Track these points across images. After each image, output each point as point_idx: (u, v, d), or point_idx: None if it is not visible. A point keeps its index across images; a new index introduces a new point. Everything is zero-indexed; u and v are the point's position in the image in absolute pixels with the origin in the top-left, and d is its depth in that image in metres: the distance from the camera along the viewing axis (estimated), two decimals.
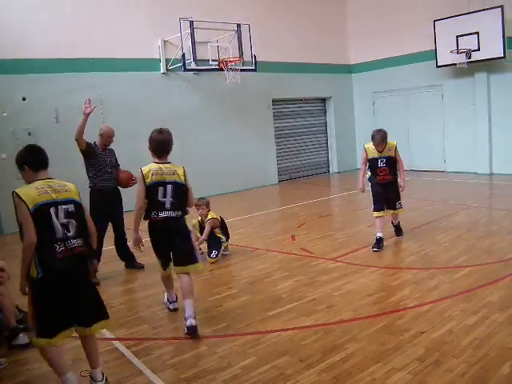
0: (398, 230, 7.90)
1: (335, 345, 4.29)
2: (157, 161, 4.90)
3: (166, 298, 5.51)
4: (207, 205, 7.37)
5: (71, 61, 11.16)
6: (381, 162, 7.33)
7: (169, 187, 4.78)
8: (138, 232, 4.97)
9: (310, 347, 4.28)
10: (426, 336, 4.32)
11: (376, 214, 7.41)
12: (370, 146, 7.33)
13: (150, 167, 4.81)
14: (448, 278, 5.82)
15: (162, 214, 4.78)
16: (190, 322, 4.65)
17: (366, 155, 7.41)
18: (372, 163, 7.42)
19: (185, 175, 4.92)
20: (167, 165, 4.89)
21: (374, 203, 7.48)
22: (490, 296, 5.14)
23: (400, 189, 7.54)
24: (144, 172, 4.78)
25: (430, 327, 4.49)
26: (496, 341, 4.12)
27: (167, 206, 4.77)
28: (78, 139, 6.32)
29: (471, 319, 4.60)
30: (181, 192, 4.85)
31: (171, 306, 5.41)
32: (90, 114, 6.29)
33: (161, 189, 4.76)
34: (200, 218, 7.43)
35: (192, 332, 4.61)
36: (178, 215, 4.84)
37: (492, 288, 5.38)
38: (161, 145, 4.87)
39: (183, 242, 4.88)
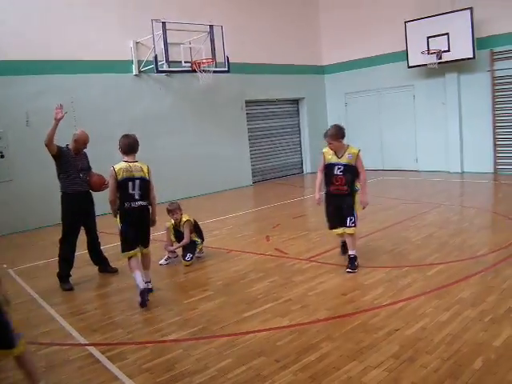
0: (345, 249, 6.56)
1: (311, 344, 4.30)
2: (126, 159, 5.72)
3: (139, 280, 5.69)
4: (179, 208, 7.33)
5: (42, 62, 10.99)
6: (338, 169, 6.22)
7: (137, 182, 5.66)
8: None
9: (285, 347, 4.29)
10: (400, 333, 4.36)
11: (334, 232, 6.50)
12: (329, 150, 6.36)
13: (121, 166, 5.64)
14: (421, 275, 5.88)
15: (134, 204, 5.66)
16: (147, 284, 5.79)
17: (324, 161, 6.43)
18: (328, 170, 6.36)
19: (149, 172, 5.80)
20: (135, 163, 5.74)
21: (327, 220, 6.55)
22: (461, 292, 5.21)
23: (360, 205, 6.33)
24: (116, 170, 5.61)
25: (404, 324, 4.54)
26: (468, 336, 4.18)
27: (136, 197, 5.67)
28: (48, 145, 6.20)
29: (444, 316, 4.66)
30: (146, 186, 5.76)
31: (142, 286, 5.60)
32: (61, 119, 6.16)
33: (130, 183, 5.63)
34: (174, 222, 7.38)
35: (143, 292, 5.50)
36: (146, 204, 5.80)
37: (464, 284, 5.46)
38: (128, 146, 5.72)
39: (147, 228, 5.91)
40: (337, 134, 6.24)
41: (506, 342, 4.03)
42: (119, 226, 5.77)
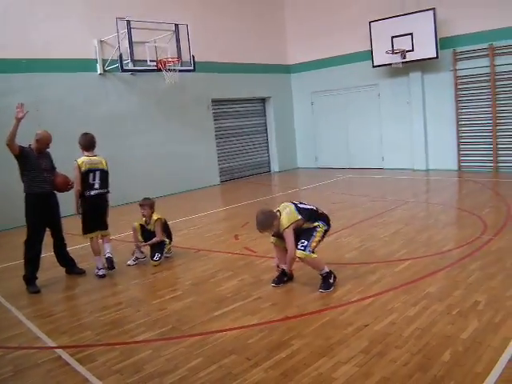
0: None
1: (281, 342, 4.30)
2: (87, 154, 6.62)
3: (97, 267, 6.77)
4: (151, 206, 7.26)
5: (3, 61, 10.73)
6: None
7: (97, 173, 6.56)
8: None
9: (256, 345, 4.28)
10: (370, 328, 4.40)
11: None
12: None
13: (83, 159, 6.55)
14: (389, 271, 5.95)
15: (94, 192, 6.55)
16: (109, 254, 6.75)
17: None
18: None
19: (107, 164, 6.72)
20: (95, 157, 6.64)
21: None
22: (429, 287, 5.29)
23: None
24: (79, 163, 6.50)
25: (373, 320, 4.58)
26: (436, 330, 4.25)
27: (96, 186, 6.56)
28: (10, 144, 6.03)
29: (412, 310, 4.72)
30: (105, 176, 6.67)
31: (100, 273, 6.69)
32: (22, 118, 5.98)
33: (91, 174, 6.50)
34: (144, 219, 7.31)
35: (109, 262, 6.69)
36: (104, 192, 6.70)
37: (431, 279, 5.54)
38: (88, 142, 6.64)
39: (105, 213, 6.85)
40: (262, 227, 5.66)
41: (472, 334, 4.11)
42: (80, 211, 6.60)
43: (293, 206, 5.59)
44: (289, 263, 5.61)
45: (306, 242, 5.41)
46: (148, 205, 7.24)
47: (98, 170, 6.56)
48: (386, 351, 3.96)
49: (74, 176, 6.54)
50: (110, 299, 5.83)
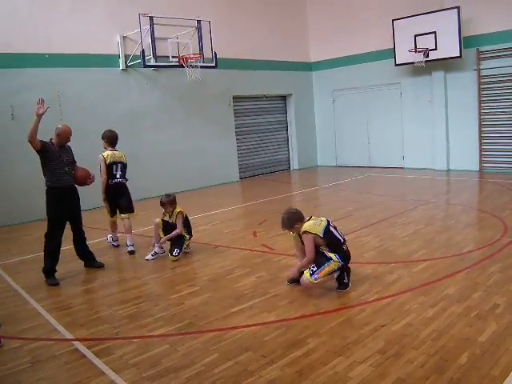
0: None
1: (297, 340, 4.31)
2: (110, 149, 7.71)
3: (109, 238, 8.22)
4: (171, 203, 7.31)
5: (27, 56, 10.86)
6: None
7: (119, 165, 7.67)
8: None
9: (272, 343, 4.29)
10: (386, 329, 4.38)
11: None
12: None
13: (108, 153, 7.62)
14: (407, 271, 5.92)
15: (115, 181, 7.63)
16: (131, 248, 7.63)
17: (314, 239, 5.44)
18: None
19: (126, 158, 7.81)
20: (116, 152, 7.73)
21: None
22: (447, 289, 5.25)
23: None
24: (105, 156, 7.57)
25: (390, 320, 4.56)
26: (454, 332, 4.21)
27: (118, 176, 7.65)
28: (31, 141, 6.07)
29: (430, 312, 4.68)
30: (125, 168, 7.76)
31: (115, 243, 8.12)
32: (42, 114, 6.02)
33: (114, 166, 7.61)
34: (167, 215, 7.37)
35: (131, 251, 7.59)
36: (124, 181, 7.74)
37: (450, 281, 5.49)
38: (113, 138, 7.76)
39: (126, 198, 7.83)
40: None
41: (490, 337, 4.07)
42: (104, 197, 7.72)
43: (326, 223, 5.50)
44: (301, 267, 5.54)
45: (315, 268, 5.31)
46: (169, 203, 7.30)
47: (120, 162, 7.67)
48: (402, 352, 3.94)
49: (98, 168, 7.59)
50: (129, 293, 5.88)
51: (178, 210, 7.33)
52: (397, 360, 3.82)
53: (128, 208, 7.86)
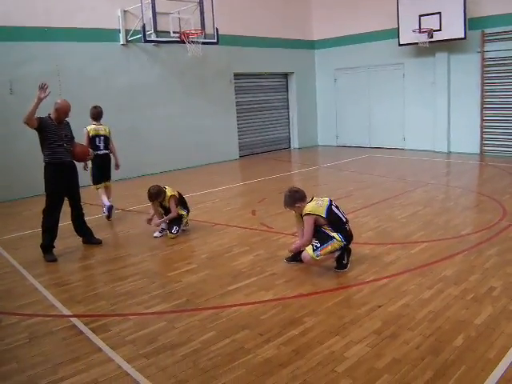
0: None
1: (294, 318, 4.32)
2: (94, 123, 8.30)
3: (105, 210, 8.36)
4: (157, 196, 7.13)
5: (25, 29, 10.71)
6: None
7: (102, 138, 8.28)
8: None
9: (269, 321, 4.31)
10: (383, 309, 4.40)
11: None
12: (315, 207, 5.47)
13: (91, 127, 8.24)
14: (405, 253, 5.92)
15: (99, 152, 8.16)
16: (109, 205, 8.26)
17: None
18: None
19: (109, 132, 8.44)
20: (100, 126, 8.34)
21: None
22: (445, 271, 5.26)
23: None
24: (88, 129, 8.20)
25: (387, 301, 4.57)
26: (450, 314, 4.23)
27: (101, 147, 8.25)
28: (28, 123, 5.99)
29: (427, 293, 4.70)
30: (107, 140, 8.38)
31: (109, 203, 8.37)
32: (43, 98, 5.93)
33: (97, 138, 8.23)
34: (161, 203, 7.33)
35: (109, 209, 8.25)
36: (108, 152, 8.41)
37: (447, 263, 5.50)
38: (96, 114, 8.33)
39: (109, 168, 8.50)
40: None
41: (486, 320, 4.08)
42: (91, 167, 8.27)
43: (328, 203, 5.49)
44: (299, 246, 5.59)
45: (319, 245, 5.30)
46: (155, 197, 7.13)
47: (102, 135, 8.30)
48: (398, 333, 3.95)
49: (83, 140, 7.92)
50: (126, 270, 5.89)
51: (168, 194, 7.20)
52: (393, 341, 3.84)
53: (110, 176, 8.61)
